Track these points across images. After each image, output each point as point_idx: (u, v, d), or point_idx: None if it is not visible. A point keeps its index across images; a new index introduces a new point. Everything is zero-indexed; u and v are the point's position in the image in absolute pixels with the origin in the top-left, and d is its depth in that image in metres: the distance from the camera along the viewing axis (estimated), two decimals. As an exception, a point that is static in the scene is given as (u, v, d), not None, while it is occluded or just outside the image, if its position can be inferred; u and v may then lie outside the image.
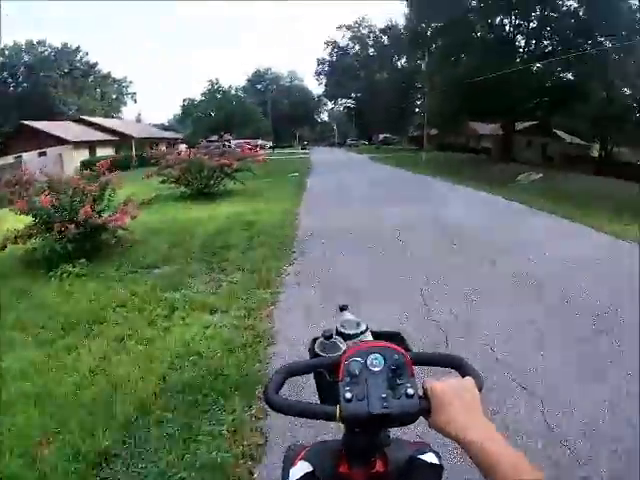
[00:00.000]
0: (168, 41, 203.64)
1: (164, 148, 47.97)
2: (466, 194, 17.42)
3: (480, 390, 0.95)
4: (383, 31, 72.68)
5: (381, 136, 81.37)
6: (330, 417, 0.92)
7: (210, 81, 49.52)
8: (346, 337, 1.11)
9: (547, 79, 34.25)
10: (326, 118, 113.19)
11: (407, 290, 5.86)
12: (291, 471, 1.16)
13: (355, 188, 18.34)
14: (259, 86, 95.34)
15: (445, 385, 0.92)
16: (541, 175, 29.12)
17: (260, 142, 75.36)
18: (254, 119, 47.27)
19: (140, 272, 7.13)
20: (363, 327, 1.14)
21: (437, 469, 1.14)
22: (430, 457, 1.15)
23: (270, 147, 64.92)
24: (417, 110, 70.51)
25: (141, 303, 5.65)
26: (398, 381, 0.94)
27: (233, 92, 46.43)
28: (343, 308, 1.25)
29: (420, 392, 0.95)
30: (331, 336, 1.10)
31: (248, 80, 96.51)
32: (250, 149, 38.17)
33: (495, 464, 0.76)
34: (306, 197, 15.79)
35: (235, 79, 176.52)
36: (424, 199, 15.04)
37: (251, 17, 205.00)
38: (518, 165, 32.51)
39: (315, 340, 1.15)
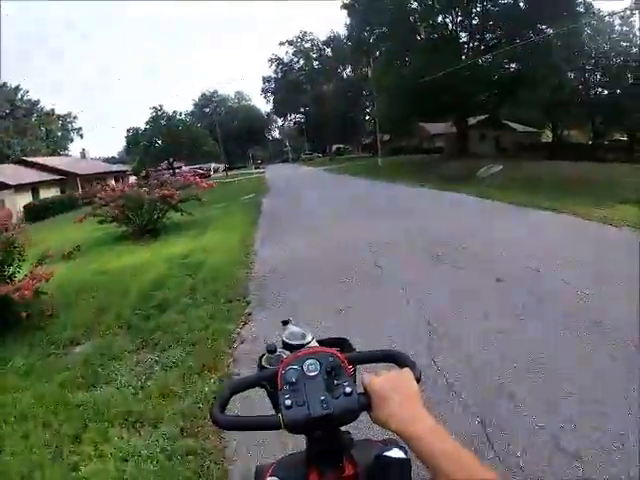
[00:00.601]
0: (114, 70, 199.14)
1: (113, 182, 45.94)
2: (432, 196, 16.58)
3: (418, 380, 0.97)
4: (326, 43, 72.11)
5: (334, 147, 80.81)
6: (274, 426, 0.93)
7: (154, 107, 46.10)
8: (294, 348, 1.10)
9: (494, 72, 33.27)
10: (278, 135, 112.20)
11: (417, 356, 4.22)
12: None
13: (314, 203, 17.15)
14: (207, 110, 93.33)
15: (382, 379, 0.93)
16: (501, 167, 28.12)
17: (213, 166, 73.94)
18: (202, 143, 44.87)
19: (57, 354, 5.31)
20: (309, 338, 1.14)
21: (405, 463, 1.07)
22: (396, 452, 1.10)
23: (224, 170, 63.18)
24: (367, 117, 69.92)
25: (47, 413, 3.90)
26: (335, 382, 0.96)
27: (178, 117, 43.81)
28: (286, 322, 1.23)
29: (361, 389, 0.97)
30: (275, 350, 1.12)
31: (195, 105, 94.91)
32: (202, 175, 36.60)
33: (437, 456, 0.76)
34: (262, 222, 14.08)
35: (182, 105, 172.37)
36: (389, 210, 13.78)
37: (193, 42, 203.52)
38: (474, 160, 31.94)
39: (262, 356, 1.16)
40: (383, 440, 1.26)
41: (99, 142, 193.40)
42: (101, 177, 42.53)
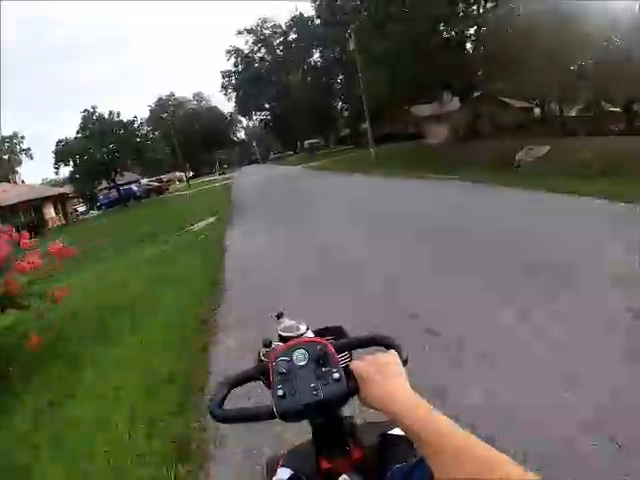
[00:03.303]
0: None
1: (52, 209, 36.82)
2: (497, 200, 10.27)
3: (405, 361, 0.97)
4: (289, 27, 61.99)
5: (306, 143, 71.89)
6: (270, 416, 0.93)
7: (85, 111, 34.31)
8: (289, 340, 1.10)
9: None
10: (243, 136, 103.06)
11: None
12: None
13: (324, 232, 9.57)
14: (165, 115, 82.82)
15: (366, 363, 0.93)
16: (547, 148, 20.18)
17: (178, 175, 64.24)
18: (150, 149, 34.34)
19: None
20: (303, 328, 1.14)
21: (409, 439, 0.96)
22: (399, 430, 1.02)
23: (186, 179, 53.79)
24: (343, 105, 60.80)
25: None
26: (324, 369, 0.96)
27: (116, 118, 32.64)
28: (280, 315, 1.22)
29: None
30: (271, 343, 1.12)
31: (151, 110, 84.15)
32: (157, 189, 28.20)
33: (420, 431, 0.75)
34: (225, 337, 4.95)
35: (138, 112, 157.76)
36: (438, 228, 7.92)
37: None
38: (487, 141, 26.16)
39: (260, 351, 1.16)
40: (387, 420, 1.08)
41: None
42: (33, 205, 32.88)
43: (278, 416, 0.92)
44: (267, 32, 64.16)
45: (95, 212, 40.91)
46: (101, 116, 32.66)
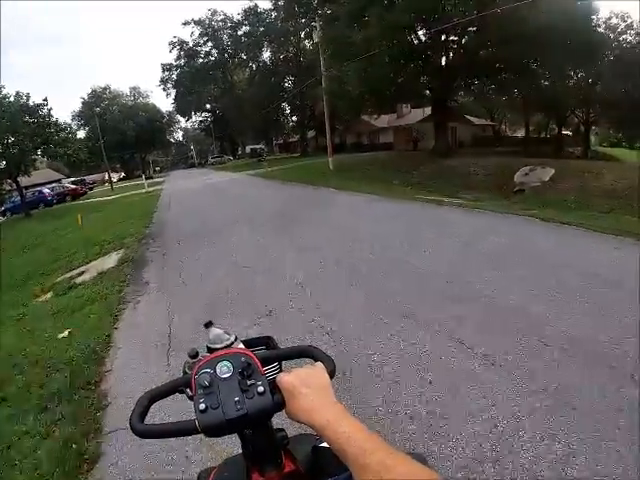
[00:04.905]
0: None
1: None
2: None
3: (332, 374, 0.94)
4: (242, 20, 53.89)
5: (248, 148, 66.39)
6: (191, 431, 0.89)
7: None
8: (214, 352, 1.04)
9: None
10: (181, 138, 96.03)
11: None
12: None
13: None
14: (98, 109, 73.92)
15: (292, 376, 0.91)
16: (552, 171, 17.16)
17: (109, 176, 56.27)
18: (63, 144, 26.57)
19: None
20: (232, 338, 1.08)
21: None
22: None
23: (109, 182, 46.67)
24: (290, 112, 55.53)
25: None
26: (249, 382, 0.93)
27: (24, 101, 24.62)
28: (208, 324, 1.10)
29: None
30: (197, 354, 1.04)
31: (83, 103, 74.92)
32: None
33: (342, 441, 0.74)
34: None
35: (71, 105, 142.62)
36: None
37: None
38: (463, 157, 24.04)
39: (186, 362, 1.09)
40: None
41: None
42: None
43: (200, 431, 0.87)
44: (216, 25, 57.51)
45: (1, 218, 32.88)
46: (6, 97, 25.21)
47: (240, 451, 1.11)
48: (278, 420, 0.98)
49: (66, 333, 5.13)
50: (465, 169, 19.81)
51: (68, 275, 8.79)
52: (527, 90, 27.41)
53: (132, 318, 5.33)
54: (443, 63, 24.54)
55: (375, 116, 35.76)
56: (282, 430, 1.08)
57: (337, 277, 5.61)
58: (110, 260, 8.95)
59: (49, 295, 7.62)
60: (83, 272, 8.73)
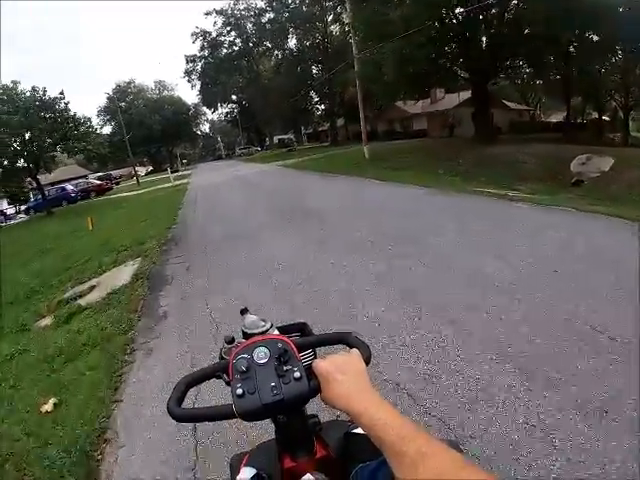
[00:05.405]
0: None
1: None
2: None
3: (368, 360, 0.93)
4: (265, 7, 51.52)
5: (276, 138, 64.94)
6: (228, 415, 0.89)
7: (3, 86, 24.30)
8: (251, 338, 1.04)
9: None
10: (208, 130, 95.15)
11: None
12: (237, 479, 1.09)
13: None
14: (123, 104, 73.31)
15: (328, 362, 0.90)
16: (611, 161, 15.18)
17: (137, 169, 55.53)
18: (83, 139, 25.24)
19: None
20: (268, 325, 1.09)
21: None
22: None
23: (136, 177, 45.69)
24: (318, 100, 53.74)
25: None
26: (285, 368, 0.92)
27: (41, 96, 23.45)
28: (244, 311, 1.14)
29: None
30: (233, 340, 1.07)
31: (109, 98, 74.42)
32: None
33: (381, 433, 0.72)
34: None
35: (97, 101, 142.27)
36: None
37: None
38: (507, 145, 21.32)
39: (222, 348, 1.10)
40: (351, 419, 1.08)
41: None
42: None
43: (237, 415, 0.87)
44: (239, 13, 55.76)
45: (24, 217, 32.35)
46: (22, 93, 24.15)
47: (271, 437, 1.10)
48: (311, 406, 0.95)
49: (51, 405, 3.55)
50: (511, 157, 17.85)
51: (78, 289, 7.36)
52: (570, 71, 25.26)
53: (141, 384, 3.68)
54: (485, 43, 22.62)
55: (412, 102, 33.84)
56: (315, 416, 1.07)
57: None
58: (124, 273, 7.43)
59: (50, 320, 6.18)
60: (93, 287, 7.27)
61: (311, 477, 0.97)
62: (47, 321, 6.26)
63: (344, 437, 1.12)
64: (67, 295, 7.23)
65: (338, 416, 1.57)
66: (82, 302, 6.46)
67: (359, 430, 1.07)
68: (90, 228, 12.90)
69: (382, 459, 0.79)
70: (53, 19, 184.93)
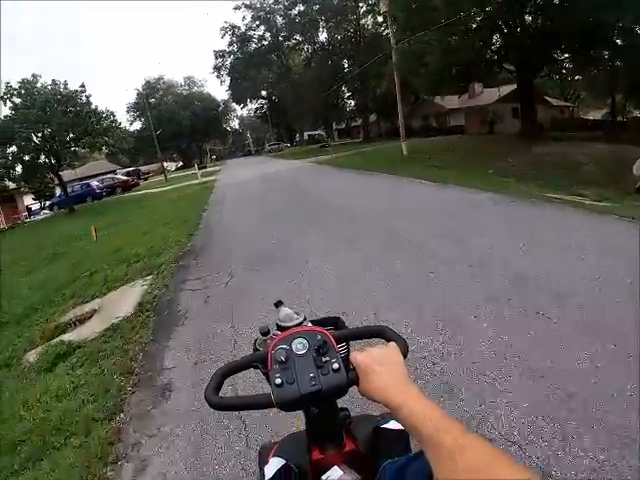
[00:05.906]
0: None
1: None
2: None
3: (405, 354, 0.93)
4: (293, 3, 50.36)
5: (306, 134, 63.74)
6: (266, 405, 0.90)
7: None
8: (287, 330, 1.04)
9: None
10: (237, 126, 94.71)
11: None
12: (265, 469, 1.10)
13: None
14: (153, 100, 73.06)
15: (367, 354, 0.90)
16: None
17: (166, 165, 55.08)
18: (105, 134, 24.13)
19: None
20: (301, 318, 1.09)
21: (403, 433, 1.07)
22: (394, 424, 1.09)
23: (164, 173, 44.96)
24: (350, 95, 52.24)
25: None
26: (324, 359, 0.92)
27: (63, 90, 22.61)
28: (278, 304, 1.14)
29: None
30: (268, 332, 1.07)
31: (139, 94, 74.18)
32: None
33: (419, 425, 0.72)
34: None
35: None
36: None
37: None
38: (550, 145, 19.58)
39: (257, 339, 1.11)
40: (381, 414, 1.19)
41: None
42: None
43: (275, 404, 0.88)
44: (268, 7, 54.46)
45: (48, 212, 31.72)
46: (43, 87, 23.19)
47: (300, 428, 1.08)
48: (341, 400, 0.94)
49: None
50: (567, 158, 16.25)
51: (78, 312, 6.14)
52: (617, 66, 23.12)
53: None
54: (532, 31, 20.80)
55: (448, 96, 32.03)
56: (345, 409, 1.06)
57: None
58: (130, 297, 6.09)
59: (36, 356, 4.94)
60: (94, 311, 6.01)
61: (338, 470, 0.97)
62: (34, 356, 5.05)
63: (373, 432, 1.10)
64: (66, 318, 6.08)
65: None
66: (75, 337, 5.20)
67: (389, 425, 1.09)
68: (95, 239, 11.29)
69: (411, 456, 0.79)
70: (53, 19, 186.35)
